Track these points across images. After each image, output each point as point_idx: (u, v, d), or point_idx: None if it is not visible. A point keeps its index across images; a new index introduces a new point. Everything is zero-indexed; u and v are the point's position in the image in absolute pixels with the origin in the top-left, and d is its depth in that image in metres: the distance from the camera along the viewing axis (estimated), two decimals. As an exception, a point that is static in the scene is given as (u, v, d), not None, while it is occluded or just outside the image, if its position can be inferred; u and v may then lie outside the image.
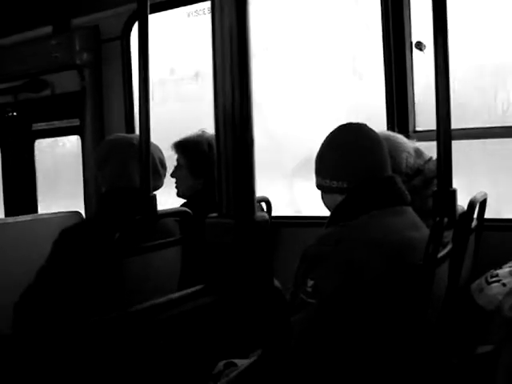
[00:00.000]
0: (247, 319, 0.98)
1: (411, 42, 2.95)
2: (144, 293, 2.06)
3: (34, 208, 4.38)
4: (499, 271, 2.23)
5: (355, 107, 3.33)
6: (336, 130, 2.05)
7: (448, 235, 1.94)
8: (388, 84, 2.95)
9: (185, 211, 2.21)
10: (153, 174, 2.18)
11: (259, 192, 0.99)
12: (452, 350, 2.12)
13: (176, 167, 2.82)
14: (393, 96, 2.93)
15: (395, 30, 2.92)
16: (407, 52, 2.94)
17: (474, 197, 2.12)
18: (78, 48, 3.78)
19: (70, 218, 3.09)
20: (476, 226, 2.30)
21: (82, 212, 3.55)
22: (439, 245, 1.76)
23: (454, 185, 1.93)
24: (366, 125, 2.04)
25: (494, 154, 2.96)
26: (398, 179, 2.02)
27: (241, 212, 0.91)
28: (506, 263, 2.26)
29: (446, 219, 1.78)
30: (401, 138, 2.41)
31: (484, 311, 2.17)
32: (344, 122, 2.06)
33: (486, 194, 2.35)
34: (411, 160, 2.31)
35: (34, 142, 4.38)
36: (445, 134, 1.90)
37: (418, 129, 2.93)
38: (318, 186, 2.06)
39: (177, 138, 2.84)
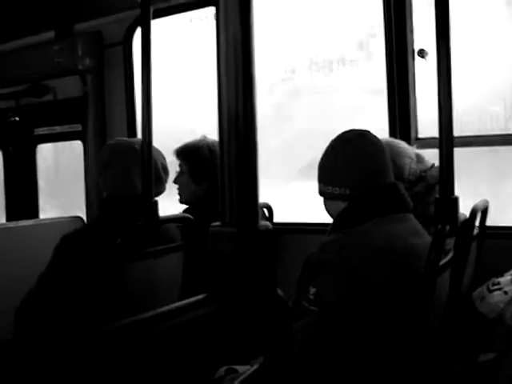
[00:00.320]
0: (249, 327, 0.98)
1: (413, 50, 2.96)
2: (145, 298, 2.06)
3: (35, 213, 4.38)
4: (501, 279, 2.23)
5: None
6: (338, 136, 2.05)
7: (450, 242, 1.94)
8: (390, 91, 2.95)
9: (187, 217, 2.21)
10: (155, 179, 2.18)
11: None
12: (454, 357, 2.11)
13: (178, 173, 2.82)
14: (395, 103, 2.93)
15: (398, 37, 2.93)
16: (409, 59, 2.94)
17: (476, 204, 2.12)
18: (80, 53, 3.79)
19: (71, 223, 3.09)
20: (478, 234, 2.29)
21: (84, 217, 3.56)
22: (441, 252, 1.75)
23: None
24: (368, 131, 2.04)
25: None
26: (401, 186, 2.02)
27: (244, 220, 0.90)
28: (508, 271, 2.26)
29: (447, 227, 1.78)
30: (403, 144, 2.41)
31: (486, 319, 2.17)
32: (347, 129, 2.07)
33: (487, 202, 2.35)
34: (414, 166, 2.31)
35: (36, 147, 4.39)
36: (447, 141, 1.90)
37: (420, 136, 2.93)
38: (321, 193, 2.06)
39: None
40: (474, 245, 2.24)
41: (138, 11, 2.75)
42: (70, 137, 4.18)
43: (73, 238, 2.23)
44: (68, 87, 4.00)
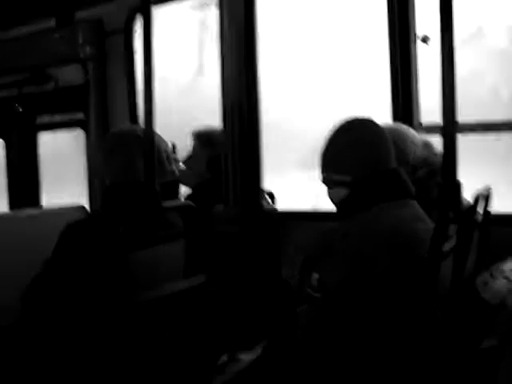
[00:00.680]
0: (253, 310, 0.98)
1: (416, 35, 2.94)
2: (148, 284, 2.06)
3: (37, 201, 4.39)
4: (504, 266, 2.23)
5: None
6: (340, 124, 2.05)
7: (453, 228, 1.94)
8: (393, 77, 2.95)
9: (189, 205, 2.21)
10: (158, 167, 2.17)
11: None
12: (457, 343, 2.11)
13: (190, 156, 2.79)
14: (398, 89, 2.93)
15: (400, 22, 2.91)
16: (412, 45, 2.93)
17: (479, 190, 2.12)
18: (81, 41, 3.78)
19: (74, 212, 3.09)
20: (481, 220, 2.29)
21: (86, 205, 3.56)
22: (444, 238, 1.75)
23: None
24: (369, 118, 2.04)
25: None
26: (403, 171, 2.02)
27: (248, 201, 0.90)
28: (511, 257, 2.26)
29: (451, 212, 1.77)
30: (408, 129, 2.41)
31: (489, 305, 2.17)
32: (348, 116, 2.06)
33: (490, 188, 2.34)
34: (419, 151, 2.31)
35: (37, 136, 4.39)
36: (450, 126, 1.89)
37: (422, 121, 2.92)
38: (323, 181, 2.06)
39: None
40: (477, 231, 2.24)
41: (138, -2, 2.74)
42: (72, 125, 4.17)
43: (77, 226, 2.23)
44: (70, 75, 3.99)
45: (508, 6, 3.03)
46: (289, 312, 0.98)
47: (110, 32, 3.77)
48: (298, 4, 3.49)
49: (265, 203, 0.87)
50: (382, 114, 2.87)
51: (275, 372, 1.03)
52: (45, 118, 4.33)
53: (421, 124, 2.90)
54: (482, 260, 2.35)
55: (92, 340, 0.83)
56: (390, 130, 2.35)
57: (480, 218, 2.28)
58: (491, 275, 2.21)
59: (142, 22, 2.22)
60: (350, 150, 1.98)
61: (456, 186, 1.87)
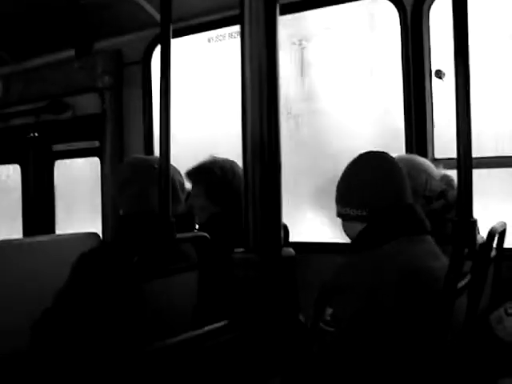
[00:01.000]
0: (271, 354, 0.97)
1: (431, 70, 2.96)
2: (162, 316, 2.05)
3: (52, 228, 4.41)
4: (519, 302, 2.20)
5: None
6: (356, 158, 2.06)
7: (467, 264, 1.92)
8: (407, 112, 2.95)
9: (203, 236, 2.21)
10: (172, 197, 2.18)
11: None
12: (471, 381, 2.08)
13: (192, 196, 2.81)
14: (412, 124, 2.93)
15: (415, 58, 2.93)
16: (426, 80, 2.95)
17: (494, 226, 2.11)
18: (99, 71, 3.84)
19: (87, 239, 3.10)
20: (495, 256, 2.27)
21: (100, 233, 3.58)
22: (459, 275, 1.74)
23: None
24: (385, 153, 2.05)
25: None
26: (418, 207, 2.02)
27: (267, 247, 0.90)
28: (526, 294, 2.24)
29: (466, 249, 1.76)
30: (424, 160, 2.41)
31: (503, 343, 2.14)
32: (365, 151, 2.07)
33: (505, 224, 2.33)
34: (433, 183, 2.31)
35: (53, 163, 4.43)
36: (465, 162, 1.88)
37: (437, 157, 2.92)
38: (339, 215, 2.06)
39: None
40: (491, 267, 2.22)
41: (157, 30, 2.78)
42: (88, 153, 4.22)
43: (91, 256, 2.23)
44: (87, 104, 4.05)
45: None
46: (303, 348, 0.98)
47: (129, 63, 3.83)
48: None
49: (285, 249, 0.88)
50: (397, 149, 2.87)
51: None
52: (61, 146, 4.37)
53: (435, 159, 2.90)
54: (496, 297, 2.33)
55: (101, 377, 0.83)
56: (406, 161, 2.35)
57: (494, 253, 2.27)
58: (506, 312, 2.19)
59: (161, 53, 2.26)
60: (367, 184, 1.98)
61: (471, 223, 1.86)
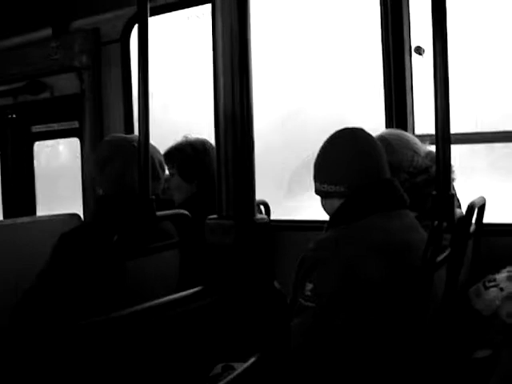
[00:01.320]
0: (247, 321, 0.98)
1: (410, 47, 2.96)
2: (143, 295, 2.06)
3: (32, 210, 4.37)
4: (497, 276, 2.23)
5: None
6: (333, 135, 2.07)
7: (446, 238, 1.94)
8: (387, 88, 2.96)
9: (183, 214, 2.21)
10: (152, 176, 2.18)
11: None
12: (450, 354, 2.12)
13: (168, 177, 2.85)
14: (392, 100, 2.94)
15: (394, 34, 2.93)
16: (406, 56, 2.95)
17: (473, 201, 2.13)
18: (77, 50, 3.78)
19: (68, 220, 3.09)
20: (474, 231, 2.30)
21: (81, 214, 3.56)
22: (438, 249, 1.76)
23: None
24: (362, 129, 2.06)
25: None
26: (396, 182, 2.03)
27: (241, 213, 0.90)
28: (504, 268, 2.27)
29: (444, 223, 1.78)
30: (411, 137, 2.43)
31: (482, 316, 2.17)
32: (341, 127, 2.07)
33: (484, 199, 2.35)
34: (418, 159, 2.32)
35: (33, 144, 4.38)
36: (444, 137, 1.90)
37: (416, 133, 2.93)
38: (317, 192, 2.07)
39: None
40: (470, 241, 2.24)
41: (135, 8, 2.75)
42: (67, 134, 4.17)
43: (71, 236, 2.22)
44: (65, 84, 3.99)
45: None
46: (282, 323, 0.99)
47: (106, 41, 3.78)
48: (292, 12, 3.50)
49: (259, 215, 0.88)
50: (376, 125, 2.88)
51: (267, 382, 1.03)
52: (40, 127, 4.32)
53: (415, 135, 2.91)
54: (475, 271, 2.36)
55: (85, 349, 0.83)
56: (393, 137, 2.37)
57: (474, 228, 2.29)
58: (484, 286, 2.22)
59: (138, 31, 2.23)
60: (344, 161, 1.99)
61: (450, 197, 1.88)
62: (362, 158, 1.99)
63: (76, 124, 4.00)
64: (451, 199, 1.89)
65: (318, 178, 2.05)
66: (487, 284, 2.21)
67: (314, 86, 3.57)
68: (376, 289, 1.80)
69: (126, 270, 2.02)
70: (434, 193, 1.89)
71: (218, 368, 1.82)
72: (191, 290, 0.91)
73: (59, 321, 1.98)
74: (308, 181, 2.14)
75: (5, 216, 4.43)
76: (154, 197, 2.07)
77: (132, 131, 3.70)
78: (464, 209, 2.14)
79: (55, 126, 4.22)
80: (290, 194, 3.98)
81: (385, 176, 2.01)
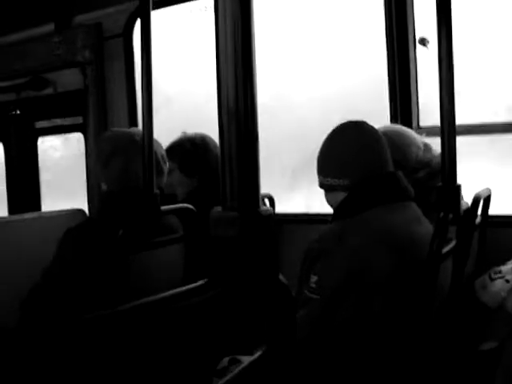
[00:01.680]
0: (252, 314, 0.98)
1: (415, 38, 2.94)
2: (149, 290, 2.06)
3: (37, 205, 4.38)
4: (502, 267, 2.22)
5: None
6: (336, 128, 2.06)
7: (452, 230, 1.94)
8: (391, 80, 2.94)
9: (187, 208, 2.21)
10: (156, 170, 2.17)
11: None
12: (455, 345, 2.11)
13: (168, 174, 2.86)
14: (396, 92, 2.92)
15: (398, 25, 2.91)
16: (410, 47, 2.93)
17: (479, 193, 2.12)
18: (80, 45, 3.77)
19: (73, 216, 3.09)
20: (480, 222, 2.29)
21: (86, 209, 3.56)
22: (444, 240, 1.75)
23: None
24: (365, 122, 2.05)
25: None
26: (400, 175, 2.02)
27: (245, 205, 0.90)
28: (510, 259, 2.26)
29: (450, 215, 1.77)
30: (411, 132, 2.42)
31: (487, 308, 2.16)
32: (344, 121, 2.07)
33: (490, 190, 2.34)
34: (421, 154, 2.32)
35: (37, 140, 4.39)
36: (449, 129, 1.89)
37: (421, 124, 2.92)
38: (321, 185, 2.07)
39: None
40: (476, 233, 2.24)
41: (137, 3, 2.74)
42: (71, 129, 4.18)
43: (77, 232, 2.22)
44: (68, 80, 3.99)
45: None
46: (288, 315, 0.98)
47: (109, 36, 3.77)
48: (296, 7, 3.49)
49: (263, 207, 0.87)
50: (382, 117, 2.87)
51: (273, 375, 1.03)
52: (44, 123, 4.33)
53: (420, 127, 2.90)
54: (481, 263, 2.35)
55: (92, 344, 0.83)
56: (391, 131, 2.35)
57: (480, 220, 2.29)
58: (490, 278, 2.21)
59: (141, 25, 2.23)
60: (348, 155, 1.98)
61: (455, 189, 1.88)
62: (365, 152, 1.98)
63: (80, 119, 4.01)
64: (457, 190, 1.88)
65: (321, 171, 2.05)
66: (493, 276, 2.20)
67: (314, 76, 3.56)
68: (381, 279, 1.80)
69: (131, 264, 2.02)
70: (440, 184, 1.89)
71: (225, 361, 1.83)
72: (196, 283, 0.91)
73: (66, 315, 1.98)
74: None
75: (10, 212, 4.44)
76: (158, 191, 2.07)
77: (136, 125, 3.69)
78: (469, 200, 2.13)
79: (59, 122, 4.23)
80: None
81: (388, 169, 2.01)
